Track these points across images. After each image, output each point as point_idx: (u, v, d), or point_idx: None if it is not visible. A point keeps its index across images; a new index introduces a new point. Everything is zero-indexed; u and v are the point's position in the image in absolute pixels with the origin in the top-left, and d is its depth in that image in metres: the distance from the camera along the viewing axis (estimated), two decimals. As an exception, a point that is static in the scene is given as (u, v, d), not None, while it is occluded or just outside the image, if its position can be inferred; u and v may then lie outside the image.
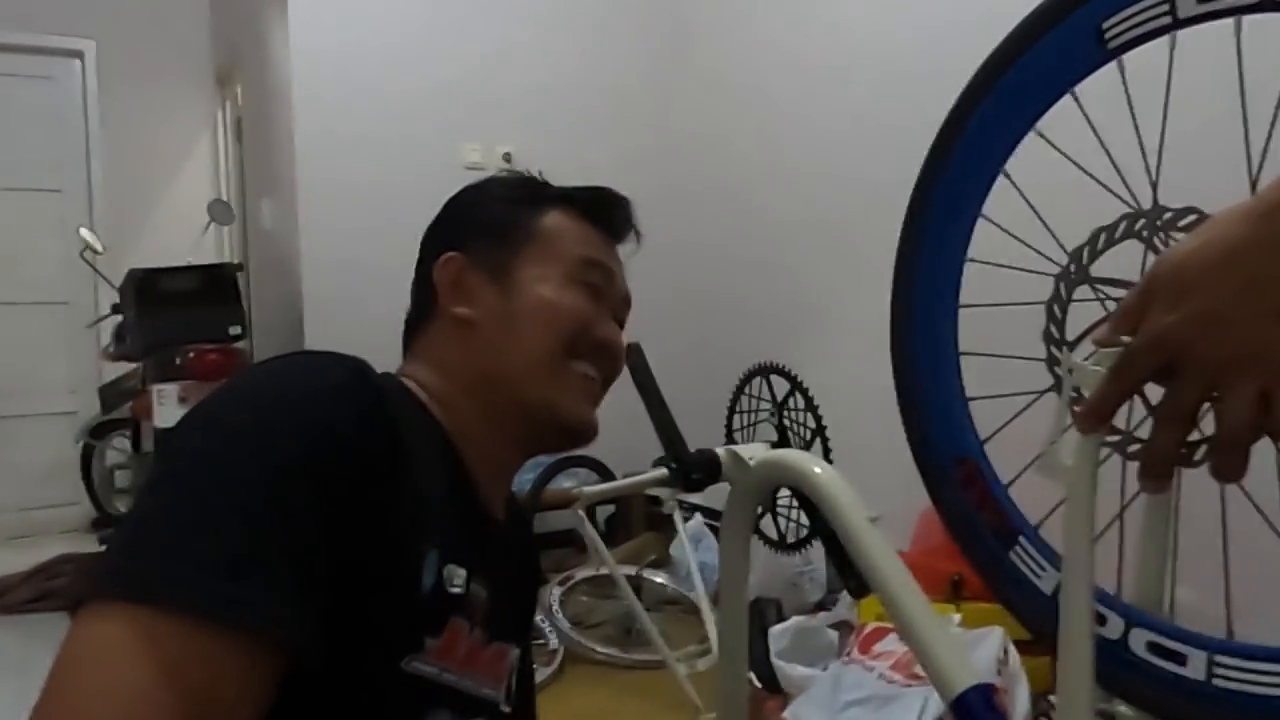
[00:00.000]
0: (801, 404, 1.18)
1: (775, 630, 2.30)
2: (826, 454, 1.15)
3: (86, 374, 4.43)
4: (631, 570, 2.86)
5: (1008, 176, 0.75)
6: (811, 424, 1.17)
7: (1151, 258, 0.64)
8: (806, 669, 2.16)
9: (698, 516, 3.07)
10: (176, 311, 2.76)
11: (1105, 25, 0.66)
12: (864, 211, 2.87)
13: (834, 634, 2.37)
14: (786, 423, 1.20)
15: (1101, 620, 0.73)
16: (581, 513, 1.53)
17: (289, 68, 3.25)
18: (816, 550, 3.12)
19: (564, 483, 3.21)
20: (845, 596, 2.61)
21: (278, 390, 0.65)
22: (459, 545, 0.74)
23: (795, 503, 1.23)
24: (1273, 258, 0.50)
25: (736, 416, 1.29)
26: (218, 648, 0.54)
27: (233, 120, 4.58)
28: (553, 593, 2.75)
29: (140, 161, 4.48)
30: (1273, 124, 0.61)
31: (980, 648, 1.93)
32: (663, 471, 1.18)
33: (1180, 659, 0.69)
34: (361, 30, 3.31)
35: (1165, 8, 0.62)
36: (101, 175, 4.41)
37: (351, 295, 3.25)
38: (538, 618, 2.62)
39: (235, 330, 2.78)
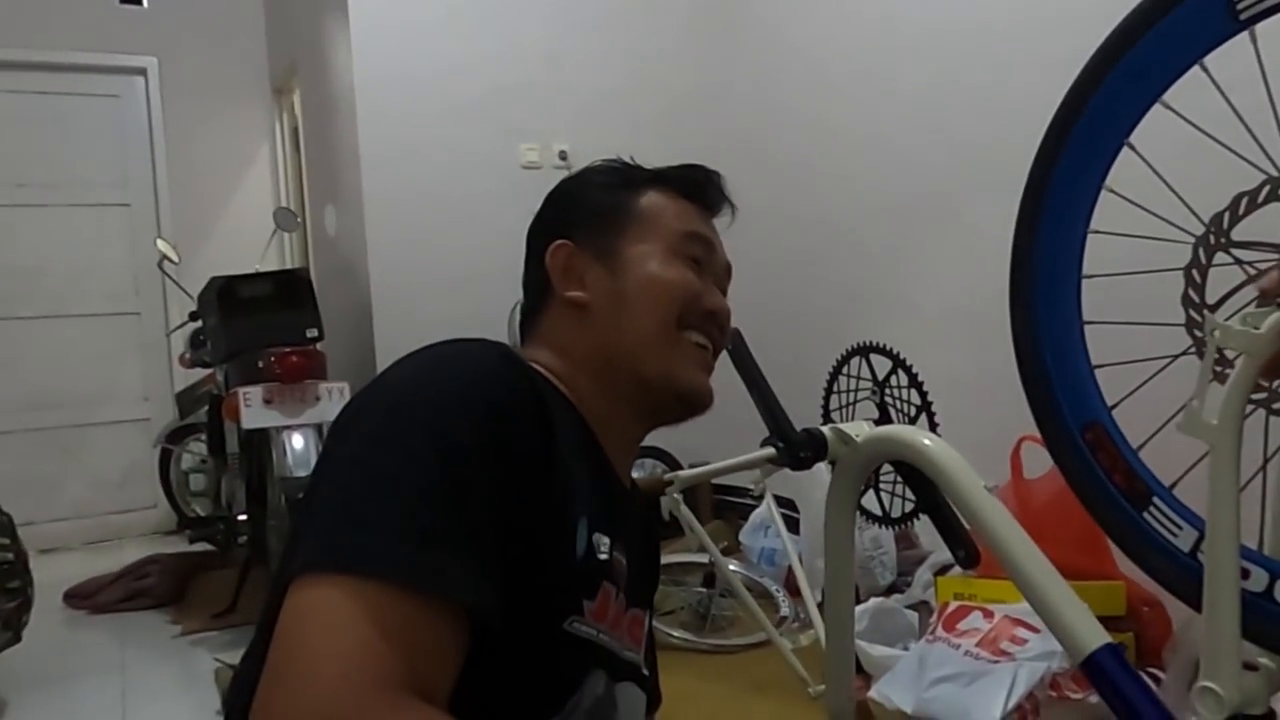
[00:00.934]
0: (905, 380, 1.20)
1: (855, 612, 2.32)
2: (933, 429, 1.18)
3: (159, 381, 4.57)
4: (704, 558, 2.90)
5: (1133, 148, 0.78)
6: (916, 400, 1.19)
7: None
8: (888, 649, 2.19)
9: (768, 500, 3.10)
10: (257, 316, 2.85)
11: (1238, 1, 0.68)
12: (921, 201, 2.87)
13: (912, 614, 2.38)
14: (888, 400, 1.23)
15: (1245, 574, 0.75)
16: (678, 496, 1.57)
17: (351, 77, 3.33)
18: (886, 534, 3.12)
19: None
20: (918, 577, 2.63)
21: (442, 375, 0.70)
22: (601, 514, 0.79)
23: (898, 478, 1.26)
24: None
25: (834, 397, 1.32)
26: (421, 611, 0.59)
27: (290, 130, 4.68)
28: (627, 581, 2.80)
29: (203, 173, 4.61)
30: None
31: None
32: (770, 451, 1.22)
33: (1326, 607, 0.71)
34: (420, 38, 3.38)
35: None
36: (167, 188, 4.54)
37: (417, 296, 3.33)
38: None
39: (313, 333, 2.86)
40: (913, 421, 1.21)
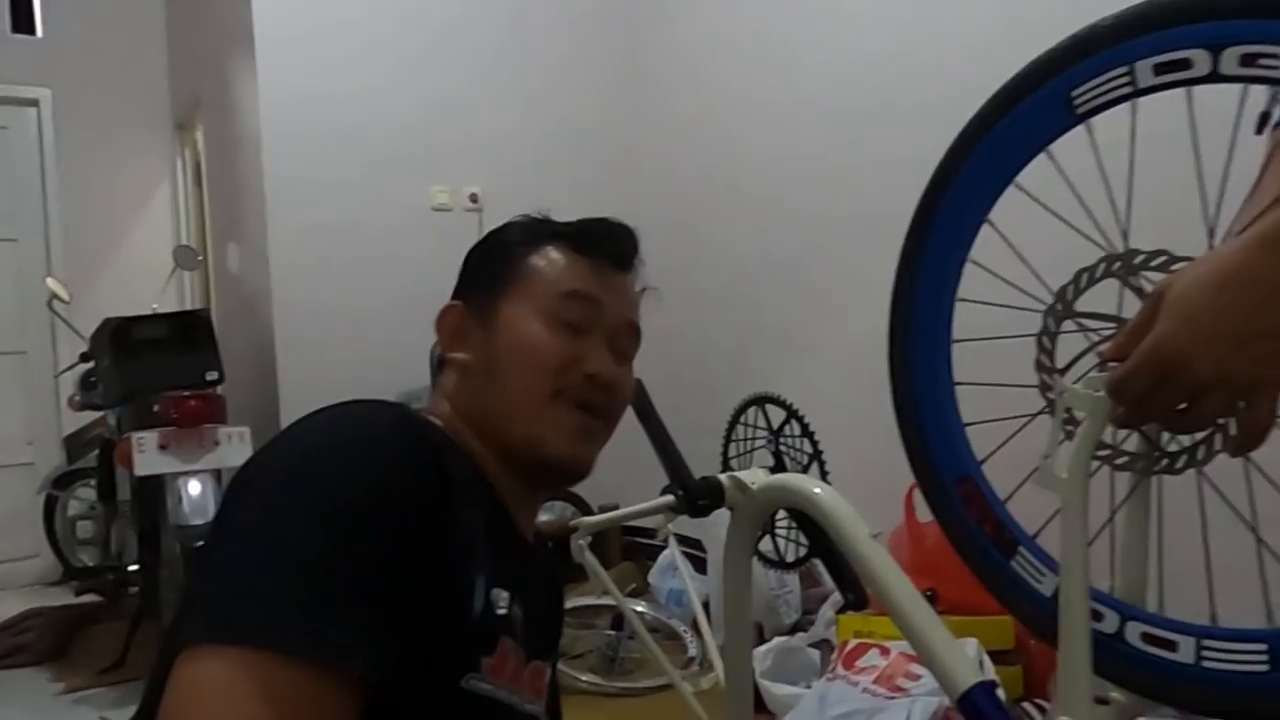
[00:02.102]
0: (797, 430, 1.26)
1: (758, 651, 2.37)
2: (824, 477, 1.23)
3: (45, 425, 4.36)
4: (613, 601, 2.90)
5: (992, 225, 0.85)
6: (808, 449, 1.25)
7: (1128, 294, 0.73)
8: (790, 687, 2.23)
9: (672, 545, 3.13)
10: (153, 358, 2.76)
11: (1074, 93, 0.76)
12: (821, 255, 2.99)
13: (815, 653, 2.44)
14: (783, 449, 1.28)
15: (1098, 616, 0.81)
16: (583, 542, 1.59)
17: (257, 114, 3.29)
18: (791, 575, 3.18)
19: (541, 516, 3.24)
20: (821, 615, 2.69)
21: (338, 441, 0.71)
22: (501, 570, 0.80)
23: (793, 524, 1.30)
24: (1270, 284, 0.60)
25: (733, 444, 1.37)
26: (311, 682, 0.60)
27: (192, 165, 4.58)
28: (535, 626, 2.79)
29: (98, 209, 4.46)
30: (1225, 177, 0.71)
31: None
32: (670, 499, 1.25)
33: (1171, 646, 0.77)
34: (330, 77, 3.36)
35: (1126, 79, 0.72)
36: (59, 223, 4.37)
37: (323, 337, 3.28)
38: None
39: (212, 375, 2.79)
40: (805, 469, 1.26)
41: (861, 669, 2.08)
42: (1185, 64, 0.69)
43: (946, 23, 2.66)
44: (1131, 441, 0.76)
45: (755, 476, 1.11)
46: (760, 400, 1.32)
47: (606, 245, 0.91)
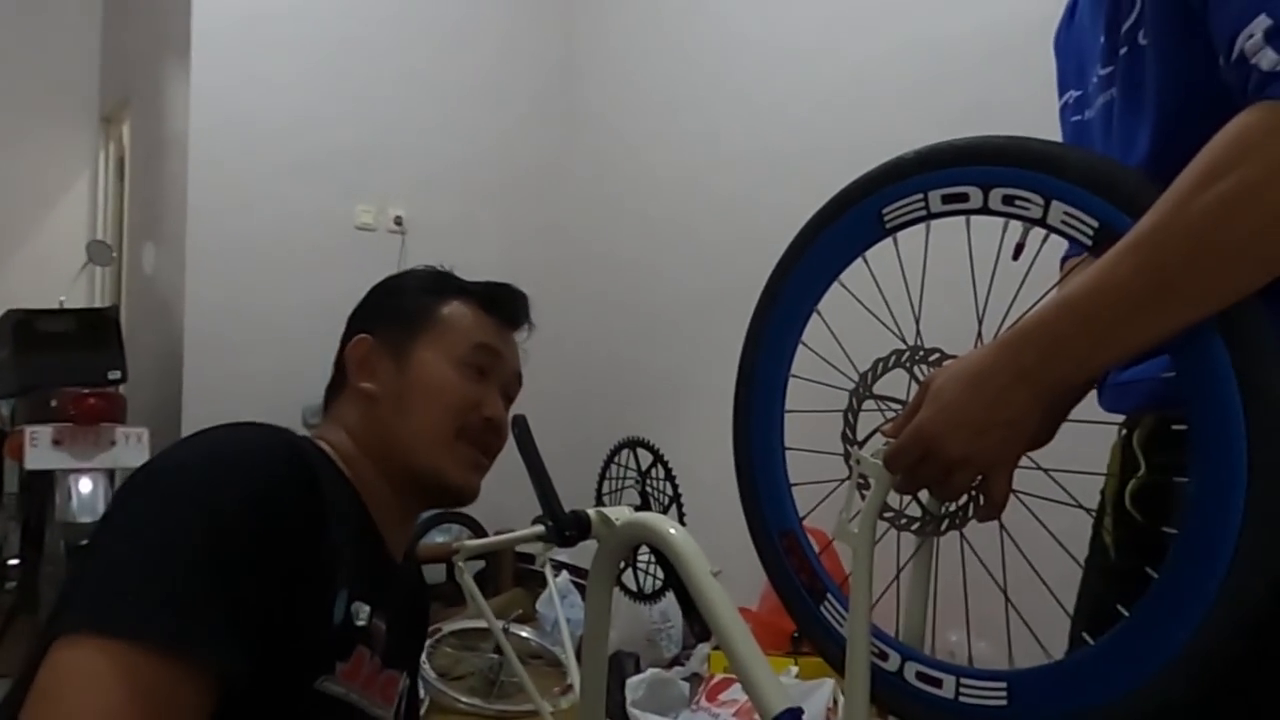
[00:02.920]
0: (662, 474, 1.38)
1: (632, 681, 2.48)
2: (681, 518, 1.35)
3: (-68, 410, 4.24)
4: (500, 624, 2.97)
5: (819, 315, 0.99)
6: (670, 491, 1.36)
7: (911, 382, 0.87)
8: (659, 717, 2.34)
9: (564, 573, 3.22)
10: (54, 354, 2.76)
11: (886, 211, 0.90)
12: (722, 302, 3.15)
13: (686, 685, 2.56)
14: (649, 490, 1.40)
15: (884, 656, 0.94)
16: (461, 564, 1.67)
17: (187, 115, 3.32)
18: (674, 610, 3.32)
19: (437, 537, 3.31)
20: (699, 651, 2.82)
21: (219, 456, 0.81)
22: (365, 585, 0.90)
23: (653, 559, 1.42)
24: (1006, 378, 0.74)
25: (606, 483, 1.48)
26: (170, 671, 0.69)
27: (115, 161, 4.54)
28: (420, 645, 2.84)
29: (13, 196, 4.38)
30: (989, 287, 0.86)
31: (814, 696, 2.16)
32: (540, 529, 1.36)
33: (938, 683, 0.90)
34: (261, 86, 3.42)
35: (920, 204, 0.87)
36: (-32, 208, 4.29)
37: (234, 345, 3.30)
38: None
39: (115, 375, 2.80)
40: (665, 510, 1.38)
41: (724, 702, 2.20)
42: (964, 197, 0.84)
43: (856, 90, 2.88)
44: (915, 508, 0.89)
45: (620, 513, 1.23)
46: (632, 444, 1.43)
47: (509, 308, 1.06)
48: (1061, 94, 1.03)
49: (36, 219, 4.49)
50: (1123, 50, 0.85)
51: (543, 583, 3.44)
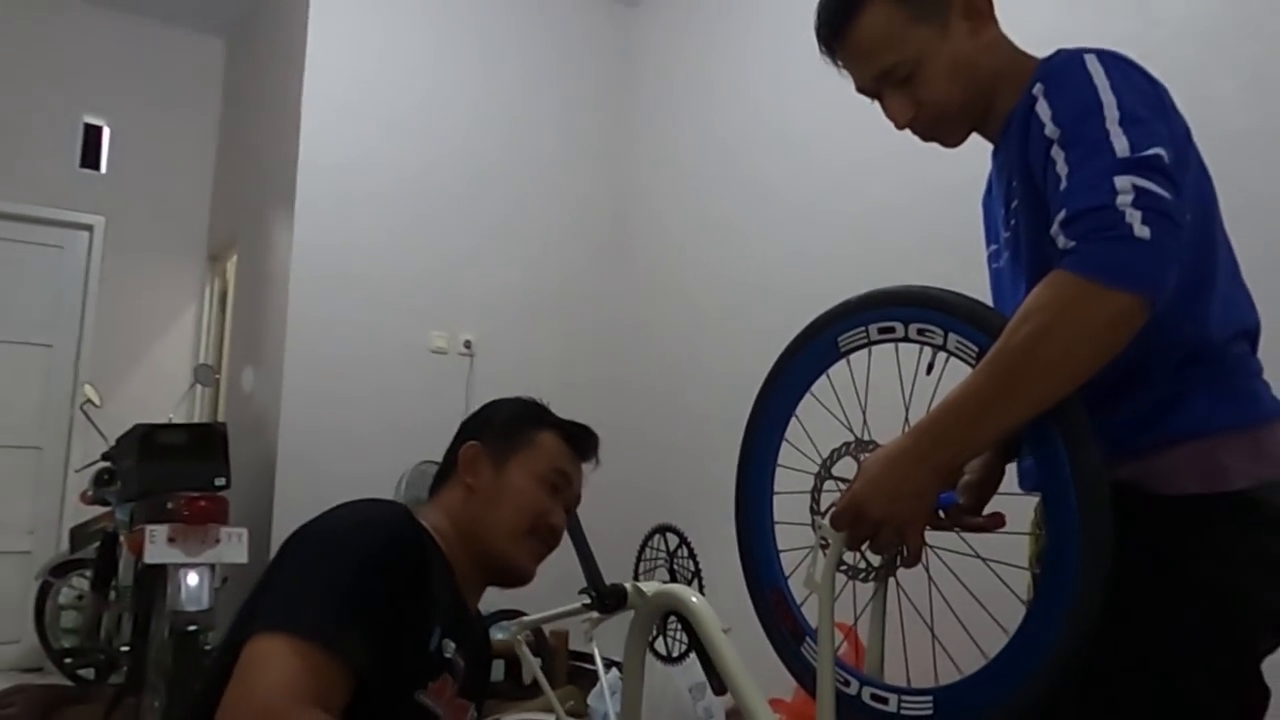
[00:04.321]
0: (686, 553, 1.66)
1: (674, 763, 2.68)
2: (701, 589, 1.63)
3: (48, 516, 4.69)
4: (552, 717, 3.19)
5: (798, 419, 1.30)
6: (692, 568, 1.65)
7: (856, 467, 1.17)
8: (699, 799, 2.53)
9: (615, 671, 3.44)
10: (172, 462, 3.16)
11: (840, 339, 1.22)
12: (745, 406, 3.47)
13: (724, 771, 2.74)
14: (676, 567, 1.68)
15: (847, 683, 1.21)
16: (520, 637, 1.95)
17: (289, 258, 3.81)
18: (717, 707, 3.50)
19: (497, 635, 3.57)
20: (739, 745, 2.99)
21: (362, 518, 1.15)
22: (452, 627, 1.22)
23: (679, 627, 1.68)
24: (909, 460, 1.03)
25: (641, 563, 1.76)
26: (329, 663, 1.00)
27: (219, 293, 5.10)
28: (479, 734, 3.07)
29: (130, 325, 4.93)
30: (911, 393, 1.17)
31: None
32: (586, 599, 1.64)
33: (885, 701, 1.17)
34: (353, 231, 3.91)
35: (863, 335, 1.19)
36: (92, 335, 4.84)
37: (320, 456, 3.69)
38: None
39: (220, 481, 3.18)
40: (689, 583, 1.66)
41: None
42: (892, 330, 1.16)
43: (886, 227, 3.24)
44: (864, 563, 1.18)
45: (651, 586, 1.52)
46: (662, 529, 1.73)
47: (585, 445, 1.40)
48: (987, 246, 1.35)
49: (148, 346, 5.03)
50: (1012, 222, 1.18)
51: (593, 681, 3.66)
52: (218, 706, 0.97)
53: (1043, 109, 1.03)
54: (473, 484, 1.31)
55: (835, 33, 1.17)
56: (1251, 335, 1.10)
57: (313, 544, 1.10)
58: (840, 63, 1.19)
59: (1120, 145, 0.95)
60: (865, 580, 1.18)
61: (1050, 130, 1.01)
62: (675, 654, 1.70)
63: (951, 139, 1.21)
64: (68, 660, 3.88)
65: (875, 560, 1.16)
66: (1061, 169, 0.98)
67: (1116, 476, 0.97)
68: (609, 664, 3.50)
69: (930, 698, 1.11)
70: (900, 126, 1.19)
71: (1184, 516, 0.99)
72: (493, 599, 4.21)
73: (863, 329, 1.19)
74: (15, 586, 4.48)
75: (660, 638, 1.75)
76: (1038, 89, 1.05)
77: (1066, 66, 1.05)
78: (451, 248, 4.12)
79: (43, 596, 4.10)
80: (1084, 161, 0.96)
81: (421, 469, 3.53)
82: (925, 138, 1.21)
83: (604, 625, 2.19)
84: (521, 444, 1.33)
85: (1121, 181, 0.92)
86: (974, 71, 1.14)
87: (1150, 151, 0.94)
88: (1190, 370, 1.02)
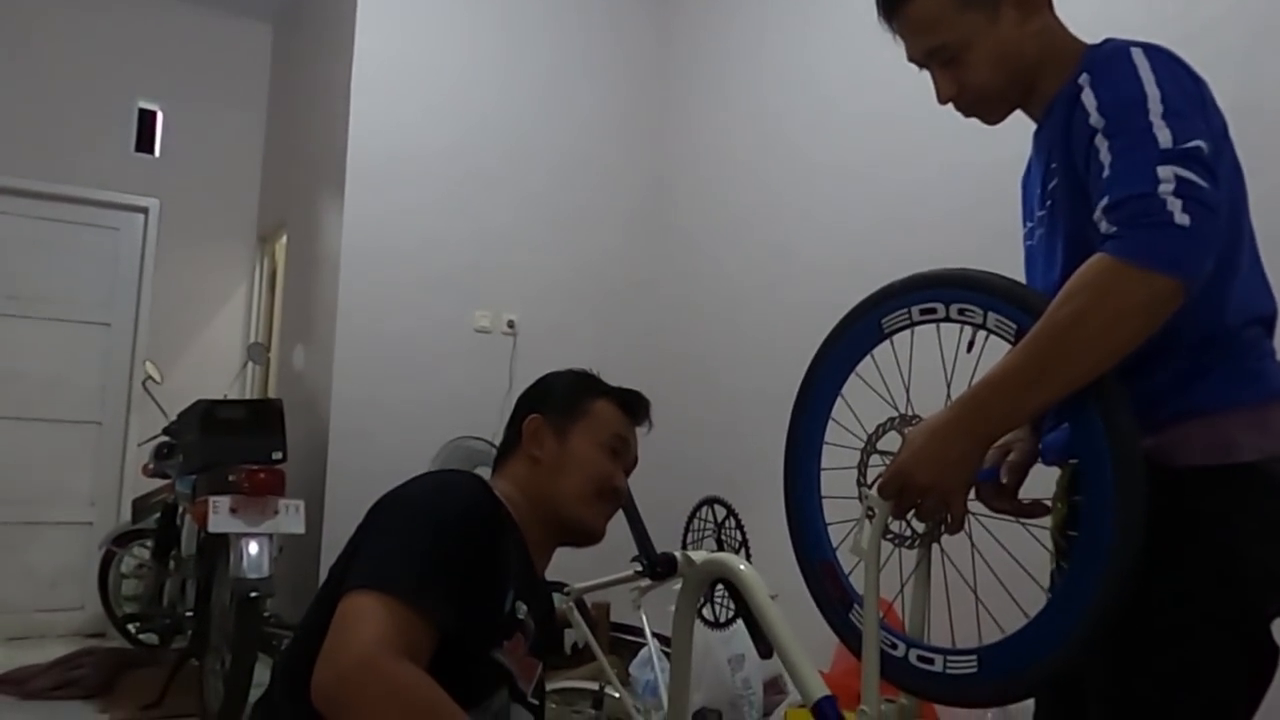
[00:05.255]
0: (734, 524, 1.74)
1: (716, 732, 2.77)
2: (748, 557, 1.71)
3: (109, 489, 4.88)
4: (595, 685, 3.29)
5: (844, 399, 1.36)
6: (740, 538, 1.73)
7: (901, 440, 1.23)
8: (739, 764, 2.62)
9: (654, 642, 3.53)
10: (232, 436, 3.28)
11: (884, 321, 1.28)
12: (789, 387, 3.52)
13: (764, 737, 2.83)
14: (723, 537, 1.75)
15: (895, 646, 1.27)
16: (572, 603, 2.05)
17: (340, 237, 3.92)
18: (756, 677, 3.58)
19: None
20: (778, 715, 3.07)
21: (446, 489, 1.22)
22: (523, 589, 1.30)
23: (727, 595, 1.76)
24: (953, 431, 1.08)
25: (689, 534, 1.84)
26: (417, 618, 1.07)
27: (268, 274, 5.23)
28: (526, 700, 3.18)
29: (183, 304, 5.09)
30: (953, 370, 1.23)
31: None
32: (638, 567, 1.73)
33: (931, 662, 1.23)
34: (400, 212, 4.00)
35: (906, 316, 1.25)
36: (148, 314, 5.00)
37: (369, 430, 3.81)
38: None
39: (278, 455, 3.30)
40: (736, 551, 1.74)
41: (795, 747, 2.47)
42: (934, 310, 1.22)
43: (909, 208, 3.27)
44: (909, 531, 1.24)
45: (700, 555, 1.60)
46: (710, 501, 1.80)
47: (639, 410, 1.47)
48: (1024, 224, 1.38)
49: (201, 325, 5.19)
50: (1048, 201, 1.23)
51: (635, 651, 3.76)
52: (310, 658, 1.04)
53: (1088, 98, 1.07)
54: (538, 455, 1.37)
55: (891, 6, 1.22)
56: (1267, 321, 1.15)
57: (398, 509, 1.18)
58: (895, 33, 1.24)
59: (1164, 137, 0.99)
60: (910, 547, 1.24)
61: (1095, 120, 1.06)
62: (722, 620, 1.78)
63: (992, 118, 1.25)
64: (130, 626, 4.05)
65: (920, 528, 1.23)
66: (1105, 157, 1.03)
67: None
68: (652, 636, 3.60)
69: (974, 657, 1.17)
70: (943, 102, 1.24)
71: (1196, 487, 1.04)
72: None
73: (905, 311, 1.25)
74: (78, 556, 4.67)
75: (708, 605, 1.84)
76: (1084, 79, 1.09)
77: (1113, 58, 1.09)
78: (495, 227, 4.20)
79: (105, 565, 4.27)
80: (1128, 151, 1.01)
81: (455, 445, 3.63)
82: (966, 114, 1.25)
83: (647, 599, 2.28)
84: (580, 414, 1.40)
85: (1164, 171, 0.97)
86: (1019, 59, 1.18)
87: (1192, 144, 0.99)
88: (1205, 351, 1.07)
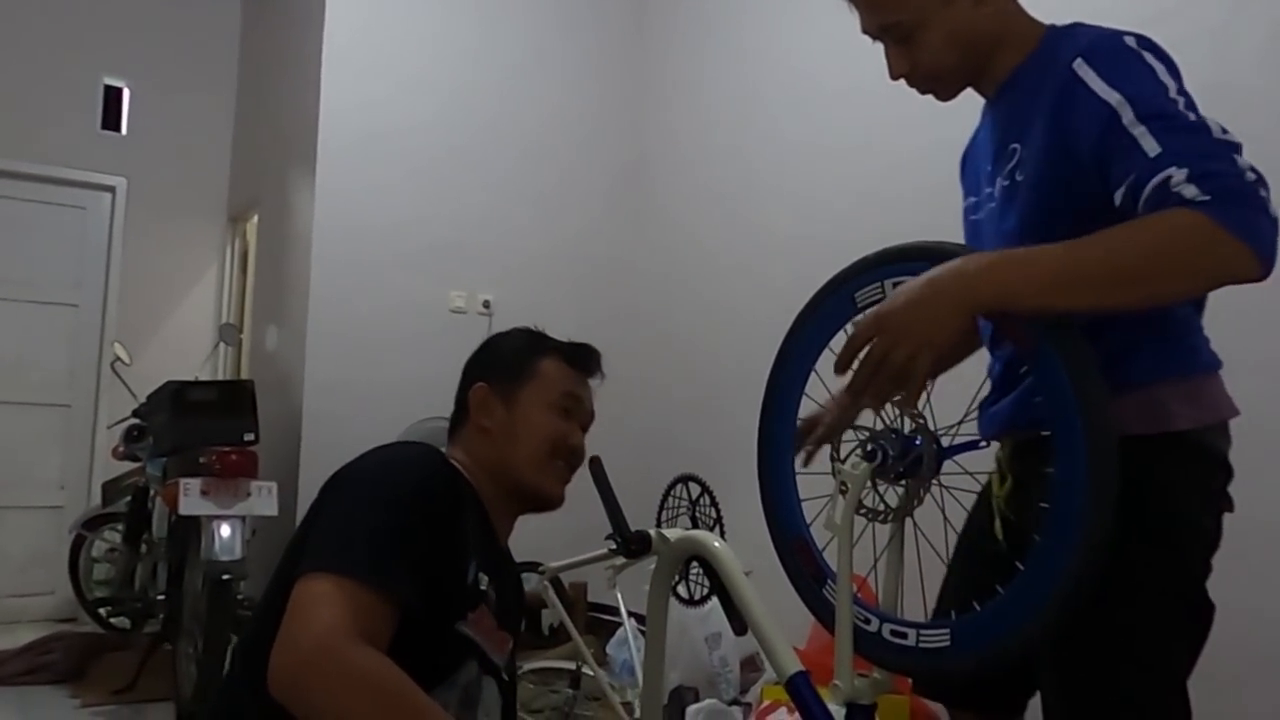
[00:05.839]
0: (708, 501, 1.73)
1: (691, 709, 2.78)
2: (722, 534, 1.70)
3: (78, 472, 4.81)
4: (572, 665, 3.29)
5: (817, 374, 1.35)
6: (714, 515, 1.72)
7: (875, 418, 1.23)
8: (716, 742, 2.63)
9: (633, 621, 3.54)
10: (202, 418, 3.24)
11: (857, 295, 1.27)
12: (766, 363, 3.52)
13: (739, 712, 2.84)
14: (698, 515, 1.74)
15: (867, 621, 1.27)
16: (547, 583, 2.03)
17: (311, 219, 3.87)
18: (733, 654, 3.58)
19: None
20: (753, 692, 3.09)
21: (401, 462, 1.20)
22: (485, 559, 1.27)
23: (701, 571, 1.75)
24: (952, 286, 1.01)
25: (664, 512, 1.83)
26: (375, 599, 1.04)
27: (240, 254, 5.16)
28: (502, 680, 3.18)
29: (152, 285, 5.01)
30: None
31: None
32: (612, 545, 1.71)
33: (904, 636, 1.23)
34: (372, 191, 3.95)
35: (879, 290, 1.23)
36: (117, 295, 4.92)
37: (343, 411, 3.77)
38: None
39: (249, 437, 3.26)
40: (711, 529, 1.74)
41: (771, 723, 2.49)
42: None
43: (889, 185, 3.26)
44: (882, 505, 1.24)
45: (674, 532, 1.58)
46: (685, 479, 1.80)
47: (588, 362, 1.41)
48: (965, 199, 1.40)
49: (171, 306, 5.11)
50: (1004, 182, 1.22)
51: (611, 631, 3.77)
52: (268, 644, 1.01)
53: (1095, 83, 1.06)
54: (488, 425, 1.33)
55: None
56: (1199, 300, 1.18)
57: (350, 486, 1.14)
58: (850, 2, 1.24)
59: (1214, 127, 1.01)
60: (884, 522, 1.24)
61: (1114, 99, 1.04)
62: (697, 597, 1.78)
63: (945, 95, 1.27)
64: (102, 610, 4.01)
65: (893, 502, 1.22)
66: (1144, 137, 1.02)
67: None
68: (629, 615, 3.60)
69: (947, 630, 1.17)
70: (895, 78, 1.24)
71: (1136, 455, 1.04)
72: (513, 551, 4.26)
73: (879, 284, 1.24)
74: (49, 540, 4.61)
75: (683, 582, 1.83)
76: (1079, 64, 1.08)
77: (1113, 46, 1.09)
78: (470, 206, 4.16)
79: (76, 549, 4.22)
80: (1183, 132, 1.01)
81: (419, 426, 3.59)
82: (921, 91, 1.26)
83: (623, 578, 2.27)
84: (527, 376, 1.35)
85: (1242, 161, 0.98)
86: (972, 40, 1.19)
87: (1236, 139, 1.01)
88: (1138, 327, 1.11)
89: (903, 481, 1.21)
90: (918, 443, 1.19)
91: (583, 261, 4.37)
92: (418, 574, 1.09)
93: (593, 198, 4.44)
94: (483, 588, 1.25)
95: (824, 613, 1.35)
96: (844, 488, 1.22)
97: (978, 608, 1.15)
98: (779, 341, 1.38)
